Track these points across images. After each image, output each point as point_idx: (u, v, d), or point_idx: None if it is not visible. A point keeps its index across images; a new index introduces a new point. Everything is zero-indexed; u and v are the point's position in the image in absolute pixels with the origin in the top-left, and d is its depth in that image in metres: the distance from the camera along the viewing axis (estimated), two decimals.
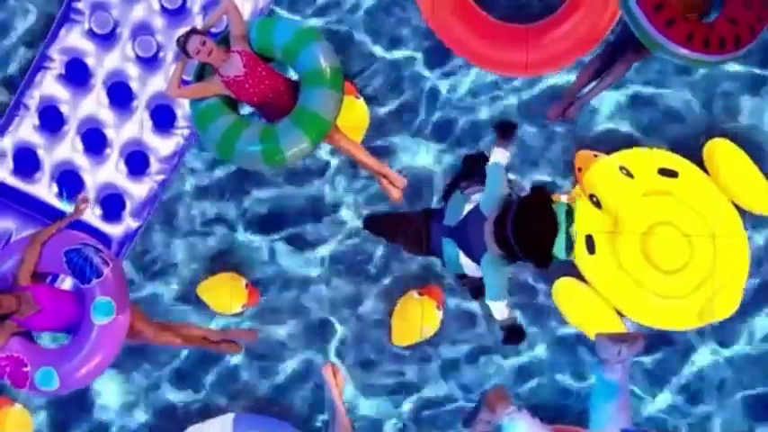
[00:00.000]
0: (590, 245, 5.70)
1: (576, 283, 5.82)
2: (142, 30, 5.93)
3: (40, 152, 5.82)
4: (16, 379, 5.29)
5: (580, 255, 5.76)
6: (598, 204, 5.59)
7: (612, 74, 5.54)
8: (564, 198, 4.56)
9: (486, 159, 4.86)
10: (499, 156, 4.55)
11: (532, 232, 4.39)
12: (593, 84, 5.58)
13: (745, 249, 5.70)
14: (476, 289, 5.27)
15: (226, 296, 6.06)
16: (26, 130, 5.83)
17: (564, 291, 5.77)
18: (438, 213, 5.03)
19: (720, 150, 5.65)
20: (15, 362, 5.30)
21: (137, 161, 5.88)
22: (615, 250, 5.68)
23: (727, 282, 5.62)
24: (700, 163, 5.76)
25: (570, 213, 4.52)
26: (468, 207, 4.67)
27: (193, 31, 5.24)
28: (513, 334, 4.94)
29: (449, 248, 4.83)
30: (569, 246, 4.52)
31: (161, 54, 5.82)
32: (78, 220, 5.54)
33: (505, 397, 5.58)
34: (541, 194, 4.45)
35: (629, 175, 5.54)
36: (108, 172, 5.90)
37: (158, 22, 5.97)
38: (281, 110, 5.40)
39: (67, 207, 5.81)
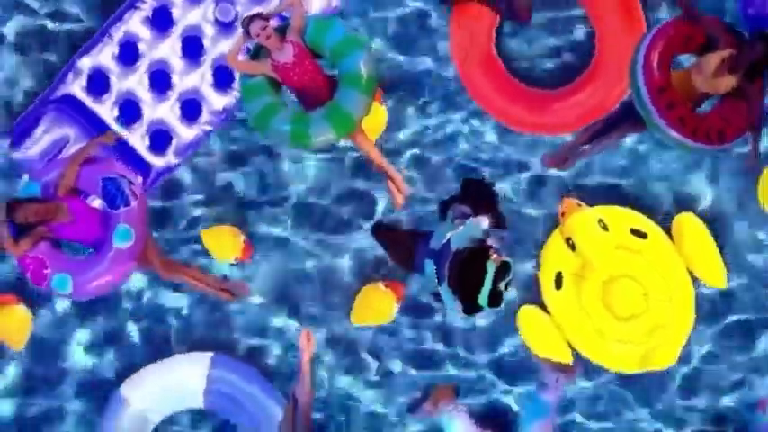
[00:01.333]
0: (558, 281, 6.24)
1: (539, 313, 6.32)
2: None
3: (112, 78, 6.38)
4: (36, 277, 5.85)
5: (547, 289, 6.30)
6: (573, 247, 6.10)
7: (608, 139, 6.09)
8: (494, 257, 4.98)
9: (485, 185, 5.47)
10: (481, 222, 5.09)
11: (460, 281, 4.94)
12: (590, 145, 6.12)
13: (691, 314, 6.20)
14: None
15: (224, 245, 6.55)
16: (105, 56, 6.39)
17: (527, 317, 6.29)
18: (429, 235, 5.50)
19: (687, 224, 6.17)
20: (39, 263, 5.83)
21: (191, 108, 6.45)
22: (579, 290, 6.20)
23: (671, 337, 6.11)
24: (668, 230, 6.22)
25: (502, 271, 5.00)
26: (449, 235, 5.17)
27: (258, 15, 5.75)
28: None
29: (428, 268, 5.30)
30: (493, 299, 4.99)
31: (236, 23, 6.30)
32: (127, 147, 6.24)
33: (451, 395, 6.27)
34: (479, 250, 4.98)
35: (605, 228, 6.06)
36: (164, 110, 6.46)
37: None
38: (317, 100, 5.91)
39: (121, 131, 6.37)
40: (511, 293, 5.18)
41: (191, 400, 6.56)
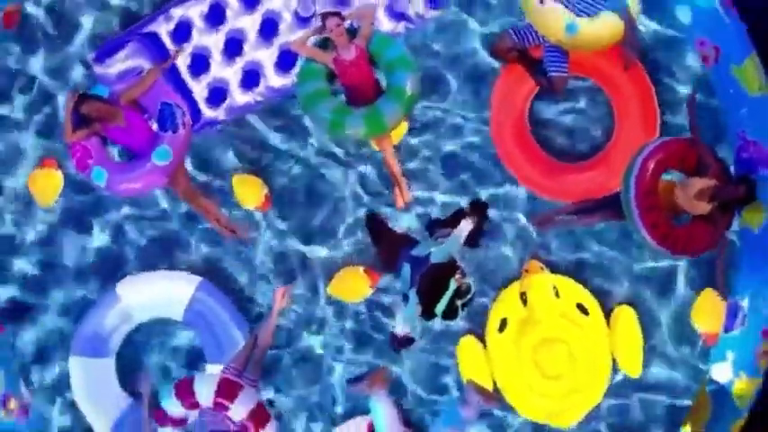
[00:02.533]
0: (502, 326, 6.77)
1: (476, 344, 6.85)
2: None
3: (194, 31, 6.99)
4: (80, 164, 6.56)
5: (492, 328, 6.83)
6: (524, 302, 6.65)
7: (590, 219, 6.59)
8: (458, 277, 5.54)
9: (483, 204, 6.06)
10: (464, 228, 5.65)
11: (425, 289, 5.55)
12: (574, 217, 6.62)
13: (603, 388, 6.69)
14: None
15: (249, 193, 7.09)
16: (195, 12, 7.01)
17: (465, 345, 6.82)
18: (415, 243, 6.03)
19: (624, 316, 6.67)
20: (86, 152, 6.53)
21: (251, 78, 7.04)
22: (517, 339, 6.72)
23: (580, 403, 6.66)
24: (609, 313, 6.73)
25: (461, 292, 5.57)
26: (432, 249, 5.73)
27: (336, 13, 6.35)
28: (399, 344, 5.99)
29: (404, 271, 5.84)
30: (448, 312, 5.60)
31: (312, 20, 6.88)
32: (188, 91, 6.90)
33: (384, 381, 6.67)
34: (448, 266, 5.55)
35: (557, 295, 6.60)
36: (228, 73, 7.05)
37: None
38: (361, 99, 6.47)
39: (189, 80, 7.02)
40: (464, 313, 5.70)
41: (172, 312, 7.05)
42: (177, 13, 7.05)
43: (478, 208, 5.88)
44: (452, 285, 5.61)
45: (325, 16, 6.35)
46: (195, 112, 7.00)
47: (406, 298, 6.04)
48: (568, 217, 6.75)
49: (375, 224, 6.94)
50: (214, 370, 6.45)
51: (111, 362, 7.16)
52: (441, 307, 5.61)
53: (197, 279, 7.05)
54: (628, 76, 6.72)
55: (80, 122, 6.39)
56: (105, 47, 7.05)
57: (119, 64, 7.06)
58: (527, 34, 6.50)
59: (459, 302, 5.63)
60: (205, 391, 5.94)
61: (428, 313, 5.77)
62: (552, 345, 6.76)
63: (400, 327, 5.89)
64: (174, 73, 6.95)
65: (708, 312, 6.75)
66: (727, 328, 6.60)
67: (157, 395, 6.10)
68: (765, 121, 6.54)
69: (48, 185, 7.33)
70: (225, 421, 5.99)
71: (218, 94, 7.14)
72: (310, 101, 6.50)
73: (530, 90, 6.89)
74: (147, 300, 7.10)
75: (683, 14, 6.75)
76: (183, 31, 7.13)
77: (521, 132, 6.97)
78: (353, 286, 7.13)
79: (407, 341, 5.99)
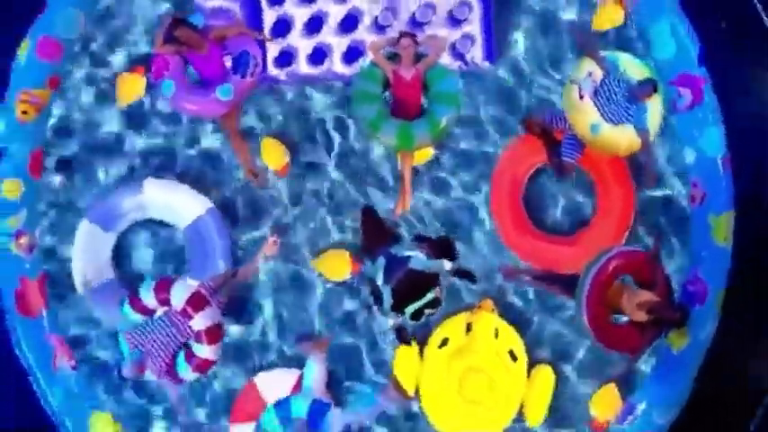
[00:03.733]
0: (443, 343, 7.22)
1: (414, 354, 7.25)
2: (392, 9, 7.50)
3: (288, 2, 7.60)
4: (156, 72, 7.06)
5: (433, 343, 7.26)
6: (468, 330, 7.20)
7: (547, 287, 7.16)
8: (437, 290, 6.25)
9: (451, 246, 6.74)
10: (445, 265, 6.46)
11: (400, 291, 6.28)
12: (534, 281, 7.23)
13: (503, 426, 7.19)
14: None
15: (273, 156, 7.57)
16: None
17: (403, 352, 7.29)
18: (398, 241, 6.73)
19: (543, 374, 7.22)
20: (164, 63, 7.04)
21: (318, 55, 7.60)
22: (451, 359, 7.20)
23: (479, 429, 7.23)
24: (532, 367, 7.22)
25: (433, 303, 6.28)
26: (412, 254, 6.42)
27: (413, 35, 6.91)
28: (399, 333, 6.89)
29: (379, 262, 6.46)
30: (416, 314, 6.30)
31: (388, 30, 7.43)
32: (264, 47, 7.40)
33: (324, 347, 7.29)
34: (431, 276, 6.28)
35: (496, 336, 7.15)
36: (302, 43, 7.61)
37: (404, 17, 7.51)
38: (402, 113, 6.96)
39: (267, 37, 7.50)
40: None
41: (178, 221, 7.54)
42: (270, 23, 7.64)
43: (442, 247, 6.62)
44: (430, 295, 6.32)
45: (403, 34, 6.90)
46: (263, 66, 7.39)
47: (374, 293, 6.62)
48: (532, 280, 7.31)
49: (370, 215, 7.38)
50: (193, 283, 6.85)
51: (113, 237, 7.62)
52: (411, 309, 6.30)
53: (209, 204, 7.51)
54: (619, 183, 7.29)
55: (168, 40, 6.88)
56: None
57: (216, 1, 7.60)
58: (558, 119, 7.05)
59: (427, 311, 6.34)
60: (179, 296, 6.47)
61: (397, 309, 6.43)
62: (479, 374, 7.21)
63: (391, 321, 6.65)
64: (257, 26, 7.51)
65: (606, 404, 7.29)
66: (619, 422, 7.24)
67: (137, 291, 6.60)
68: (719, 269, 7.12)
69: (130, 89, 7.81)
70: (184, 326, 6.52)
71: (286, 58, 7.64)
72: (361, 97, 6.99)
73: (530, 167, 7.44)
74: (163, 202, 7.52)
75: (689, 155, 7.33)
76: (281, 31, 7.68)
77: (514, 202, 7.45)
78: (336, 266, 7.54)
79: (402, 329, 6.82)
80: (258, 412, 7.25)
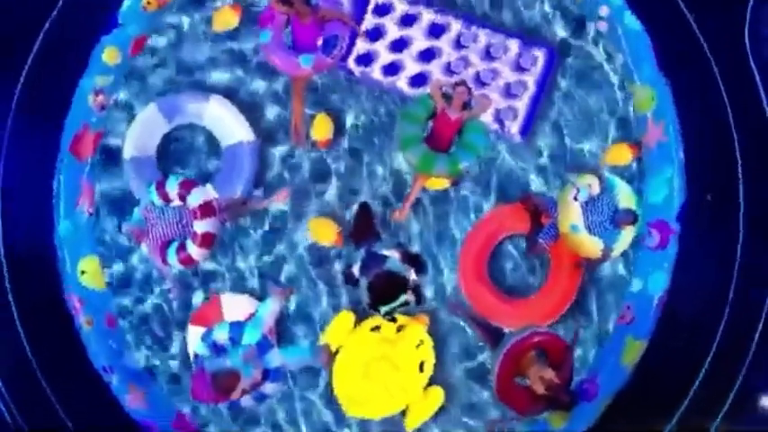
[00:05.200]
0: (374, 329, 7.79)
1: (350, 322, 7.82)
2: (465, 61, 8.20)
3: (389, 16, 8.30)
4: (262, 20, 7.88)
5: (367, 325, 7.82)
6: (398, 330, 7.78)
7: (480, 332, 7.87)
8: (409, 293, 7.06)
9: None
10: (411, 272, 7.31)
11: (377, 288, 7.12)
12: (470, 320, 7.94)
13: (385, 413, 7.65)
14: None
15: (321, 128, 8.27)
16: (399, 6, 8.34)
17: (342, 317, 7.89)
18: (378, 241, 7.57)
19: (435, 393, 7.79)
20: (270, 15, 7.76)
21: (392, 70, 8.31)
22: (374, 343, 7.76)
23: (366, 406, 7.75)
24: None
25: (405, 304, 7.07)
26: (387, 253, 7.32)
27: (469, 88, 7.56)
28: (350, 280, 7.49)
29: (359, 252, 7.47)
30: (388, 313, 7.13)
31: (455, 76, 8.08)
32: (354, 41, 8.19)
33: (285, 295, 7.79)
34: (403, 281, 7.10)
35: (418, 346, 7.72)
36: (384, 54, 8.32)
37: (471, 71, 8.22)
38: (434, 143, 7.61)
39: (360, 36, 8.28)
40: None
41: (222, 138, 8.22)
42: (370, 22, 8.41)
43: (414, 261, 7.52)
44: (402, 298, 7.20)
45: (463, 83, 7.61)
46: (345, 57, 8.25)
47: (347, 275, 7.54)
48: (469, 319, 8.00)
49: (365, 211, 8.05)
50: (210, 193, 7.47)
51: (168, 127, 8.40)
52: (386, 309, 7.17)
53: (253, 137, 8.20)
54: (570, 274, 7.98)
55: (285, 1, 7.68)
56: None
57: None
58: (550, 207, 7.75)
59: (398, 310, 7.19)
60: (195, 197, 7.22)
61: (373, 307, 7.23)
62: (387, 365, 7.72)
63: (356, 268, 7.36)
64: (356, 22, 8.29)
65: None
66: None
67: (166, 179, 7.35)
68: (614, 383, 7.83)
69: (225, 20, 8.58)
70: (188, 224, 7.26)
71: (366, 59, 8.35)
72: (408, 117, 7.73)
73: (505, 231, 8.07)
74: (219, 118, 8.24)
75: (636, 284, 8.04)
76: (383, 10, 8.41)
77: (481, 256, 8.08)
78: (324, 232, 8.18)
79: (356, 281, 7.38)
80: (213, 323, 7.62)
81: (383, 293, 7.14)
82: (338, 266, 8.13)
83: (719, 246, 7.87)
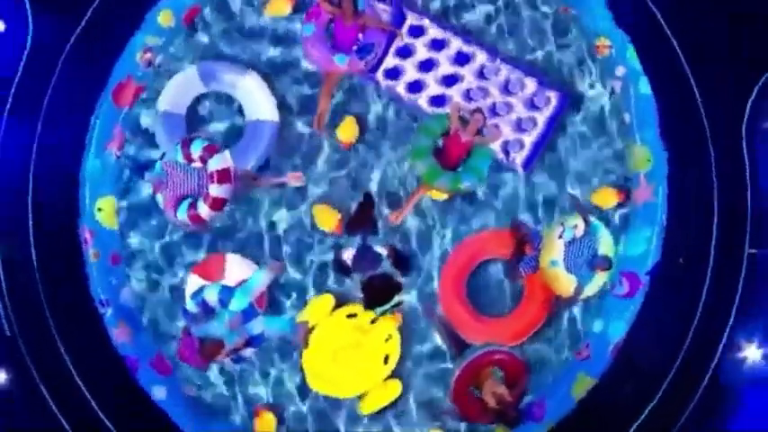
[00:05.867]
0: (350, 316, 8.14)
1: (329, 305, 8.21)
2: (484, 91, 8.70)
3: (421, 38, 8.81)
4: (309, 14, 8.40)
5: (344, 311, 8.17)
6: (373, 322, 8.15)
7: (448, 336, 8.28)
8: (402, 295, 7.63)
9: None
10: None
11: (372, 289, 7.74)
12: (441, 326, 8.30)
13: (346, 393, 8.04)
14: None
15: (347, 130, 8.70)
16: (433, 31, 8.81)
17: (323, 299, 8.27)
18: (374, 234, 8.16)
19: (392, 385, 8.18)
20: (318, 13, 8.34)
21: (416, 87, 8.75)
22: (345, 329, 8.10)
23: (330, 383, 8.08)
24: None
25: (398, 305, 7.66)
26: (380, 252, 7.90)
27: (485, 116, 8.07)
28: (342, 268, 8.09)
29: (352, 242, 8.02)
30: (383, 313, 7.62)
31: (473, 103, 8.59)
32: (379, 57, 8.59)
33: (278, 270, 8.21)
34: (396, 286, 7.71)
35: (386, 340, 8.08)
36: (410, 71, 8.79)
37: (489, 101, 8.70)
38: (442, 159, 8.09)
39: (391, 52, 8.72)
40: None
41: (249, 111, 8.53)
42: (425, 22, 8.89)
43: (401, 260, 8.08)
44: (396, 299, 7.86)
45: (479, 110, 8.12)
46: (375, 68, 8.74)
47: (337, 261, 8.06)
48: (440, 325, 8.40)
49: (368, 203, 8.49)
50: (229, 161, 7.84)
51: (202, 89, 8.78)
52: (381, 310, 7.81)
53: (277, 119, 8.63)
54: (543, 301, 8.34)
55: (333, 2, 8.24)
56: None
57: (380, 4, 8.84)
58: (536, 240, 8.16)
59: (391, 310, 7.77)
60: (215, 162, 7.63)
61: (368, 307, 7.82)
62: (358, 351, 8.10)
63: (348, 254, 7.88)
64: (392, 38, 8.78)
65: None
66: None
67: (192, 141, 7.75)
68: (561, 411, 8.28)
69: (278, 8, 9.04)
70: (204, 185, 7.64)
71: (393, 74, 8.85)
72: (424, 131, 8.29)
73: (488, 254, 8.48)
74: (249, 93, 8.65)
75: (597, 325, 8.54)
76: (416, 32, 8.90)
77: (461, 274, 8.48)
78: (326, 219, 8.58)
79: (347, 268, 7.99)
80: (211, 279, 8.13)
81: (378, 296, 7.73)
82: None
83: (681, 307, 8.42)
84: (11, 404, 8.29)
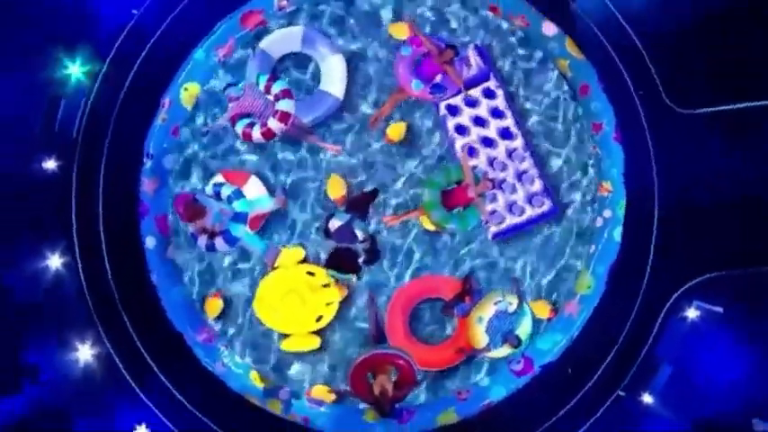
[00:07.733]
0: (309, 273, 9.14)
1: (297, 257, 9.26)
2: (502, 165, 9.76)
3: (481, 104, 9.96)
4: (413, 41, 9.04)
5: (305, 267, 9.18)
6: (326, 286, 9.24)
7: (373, 326, 9.27)
8: (355, 277, 8.85)
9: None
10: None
11: (333, 258, 8.89)
12: (374, 316, 9.36)
13: (287, 330, 9.16)
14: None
15: (396, 131, 9.65)
16: (485, 105, 9.97)
17: (293, 251, 9.32)
18: (362, 219, 9.31)
19: (311, 340, 9.38)
20: (419, 42, 8.99)
21: (461, 130, 9.88)
22: (301, 280, 9.13)
23: (275, 319, 9.18)
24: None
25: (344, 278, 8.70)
26: (360, 236, 9.03)
27: (492, 184, 8.94)
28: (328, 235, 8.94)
29: (342, 216, 8.96)
30: (333, 279, 8.65)
31: (490, 171, 10.01)
32: (447, 98, 9.61)
33: (281, 203, 9.20)
34: (356, 265, 8.89)
35: (328, 305, 9.24)
36: (464, 117, 9.87)
37: (510, 170, 9.81)
38: (444, 199, 9.04)
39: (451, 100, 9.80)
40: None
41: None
42: (499, 92, 10.01)
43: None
44: (345, 276, 9.07)
45: (490, 180, 9.02)
46: (441, 98, 9.55)
47: (326, 223, 9.03)
48: (374, 316, 9.42)
49: (373, 195, 9.59)
50: (293, 109, 8.71)
51: (298, 48, 9.70)
52: (332, 273, 8.94)
53: (341, 97, 9.60)
54: (459, 348, 9.33)
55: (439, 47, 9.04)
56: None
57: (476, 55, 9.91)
58: (477, 297, 9.23)
59: (341, 281, 9.08)
60: (284, 104, 8.54)
61: (326, 266, 9.02)
62: (301, 302, 9.17)
63: (333, 223, 8.90)
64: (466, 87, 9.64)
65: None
66: None
67: (277, 79, 8.68)
68: (419, 425, 9.36)
69: (399, 31, 9.90)
70: (268, 112, 8.54)
71: (453, 111, 10.05)
72: (444, 169, 9.29)
73: (432, 293, 9.47)
74: (331, 69, 9.59)
75: (484, 381, 9.67)
76: (488, 94, 9.98)
77: (406, 306, 9.49)
78: (335, 187, 9.59)
79: (329, 233, 8.96)
80: (238, 184, 8.94)
81: (336, 264, 8.92)
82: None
83: (553, 400, 9.66)
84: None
